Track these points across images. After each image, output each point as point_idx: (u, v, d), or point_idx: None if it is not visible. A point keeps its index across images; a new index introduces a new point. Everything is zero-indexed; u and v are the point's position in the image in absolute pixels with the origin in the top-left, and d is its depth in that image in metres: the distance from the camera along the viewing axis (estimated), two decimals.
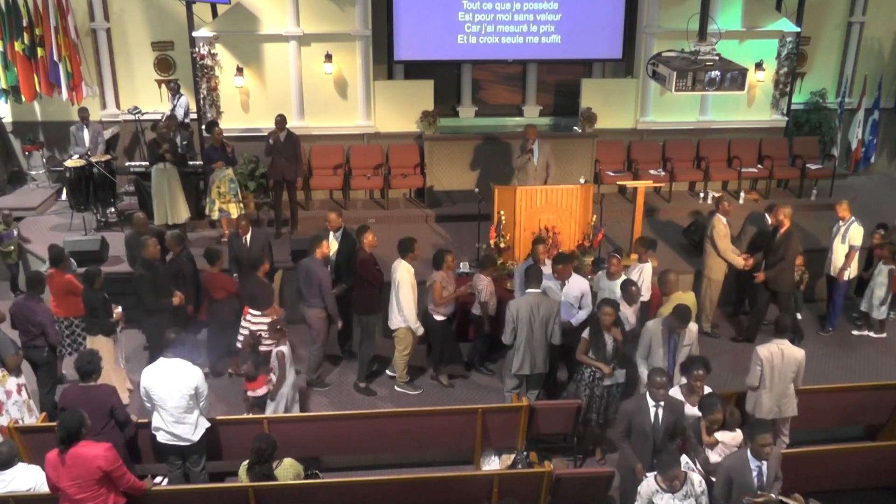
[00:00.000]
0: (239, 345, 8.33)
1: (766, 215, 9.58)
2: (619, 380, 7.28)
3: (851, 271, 9.53)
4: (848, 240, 9.43)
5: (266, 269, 8.33)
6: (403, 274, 8.16)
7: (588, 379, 7.24)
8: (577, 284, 8.17)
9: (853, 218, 9.46)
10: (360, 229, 8.44)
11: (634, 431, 6.27)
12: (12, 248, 10.16)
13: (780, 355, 6.92)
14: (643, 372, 7.12)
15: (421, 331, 8.41)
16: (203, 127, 11.23)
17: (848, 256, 9.45)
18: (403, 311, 8.22)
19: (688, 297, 7.95)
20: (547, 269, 8.38)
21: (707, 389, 6.52)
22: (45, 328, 7.70)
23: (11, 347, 7.24)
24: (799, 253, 9.35)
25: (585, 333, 7.27)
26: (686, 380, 6.56)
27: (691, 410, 6.42)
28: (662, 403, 6.17)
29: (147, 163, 10.93)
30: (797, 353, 6.99)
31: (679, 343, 7.12)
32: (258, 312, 8.30)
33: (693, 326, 7.18)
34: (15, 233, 10.24)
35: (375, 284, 8.44)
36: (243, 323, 8.40)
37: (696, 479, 5.67)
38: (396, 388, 8.73)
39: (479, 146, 11.80)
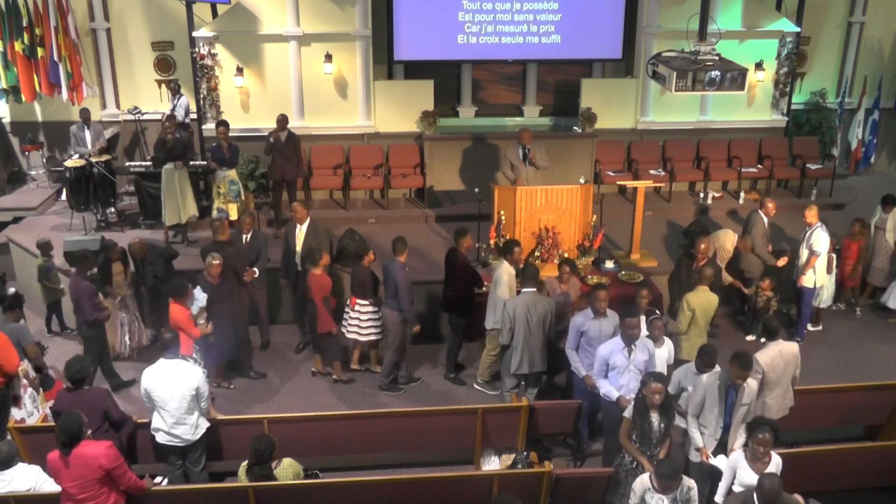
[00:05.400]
0: (345, 331, 8.61)
1: (761, 212, 9.58)
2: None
3: (818, 279, 9.41)
4: (810, 246, 9.31)
5: (371, 259, 8.43)
6: (502, 274, 8.16)
7: (630, 464, 6.25)
8: (668, 346, 7.21)
9: (819, 224, 9.31)
10: (458, 232, 8.55)
11: None
12: (62, 285, 9.54)
13: (780, 357, 6.92)
14: (693, 433, 6.44)
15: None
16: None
17: (807, 262, 9.32)
18: (497, 313, 8.12)
19: (712, 296, 7.90)
20: (611, 320, 7.25)
21: (775, 457, 5.84)
22: (78, 302, 8.05)
23: (31, 338, 7.44)
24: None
25: (628, 412, 6.29)
26: (750, 443, 5.82)
27: (752, 479, 5.68)
28: None
29: (149, 163, 10.96)
30: (793, 347, 7.03)
31: (737, 400, 6.27)
32: (365, 301, 8.46)
33: (753, 383, 6.39)
34: (55, 263, 9.61)
35: (476, 285, 8.52)
36: (351, 313, 8.57)
37: (687, 484, 5.61)
38: (475, 385, 8.72)
39: (480, 146, 11.80)
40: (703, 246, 8.62)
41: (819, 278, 9.45)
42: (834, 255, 9.61)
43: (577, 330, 7.32)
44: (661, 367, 7.02)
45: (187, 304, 7.68)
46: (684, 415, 6.56)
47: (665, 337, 7.28)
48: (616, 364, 6.80)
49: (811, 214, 9.38)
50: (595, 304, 7.23)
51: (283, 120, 10.55)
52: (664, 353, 7.17)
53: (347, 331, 8.64)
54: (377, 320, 8.57)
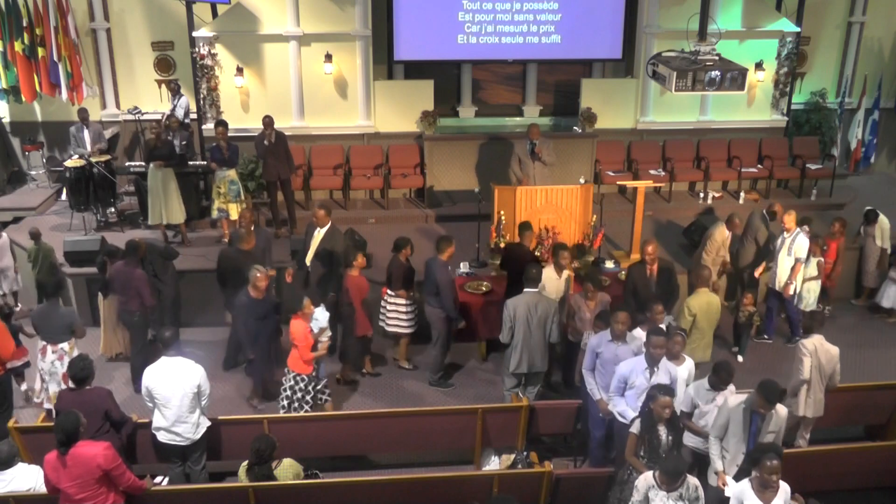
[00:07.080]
0: (381, 324, 8.75)
1: (765, 213, 9.57)
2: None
3: (797, 286, 9.29)
4: (793, 252, 9.15)
5: (408, 252, 8.53)
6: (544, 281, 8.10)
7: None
8: (688, 365, 6.73)
9: (799, 230, 9.18)
10: (522, 225, 8.72)
11: None
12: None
13: (822, 349, 6.97)
14: (714, 456, 6.14)
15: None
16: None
17: (793, 270, 9.18)
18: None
19: (713, 298, 7.88)
20: (629, 345, 6.82)
21: (783, 485, 5.43)
22: (140, 290, 8.14)
23: (79, 319, 7.89)
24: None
25: (635, 428, 5.99)
26: (757, 472, 5.38)
27: None
28: None
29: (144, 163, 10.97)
30: (833, 349, 7.05)
31: (763, 428, 5.93)
32: (393, 293, 8.58)
33: (782, 410, 6.00)
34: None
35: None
36: (382, 302, 8.75)
37: (694, 483, 5.62)
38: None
39: (479, 146, 11.79)
40: (649, 248, 8.23)
41: (799, 284, 9.33)
42: (822, 259, 9.47)
43: (593, 351, 6.96)
44: (680, 388, 6.55)
45: (308, 320, 7.37)
46: (699, 433, 6.35)
47: (685, 356, 6.81)
48: (635, 384, 6.41)
49: (790, 220, 9.20)
50: (614, 327, 6.78)
51: (270, 122, 10.53)
52: (684, 372, 6.66)
53: (380, 320, 8.80)
54: (405, 314, 8.65)
